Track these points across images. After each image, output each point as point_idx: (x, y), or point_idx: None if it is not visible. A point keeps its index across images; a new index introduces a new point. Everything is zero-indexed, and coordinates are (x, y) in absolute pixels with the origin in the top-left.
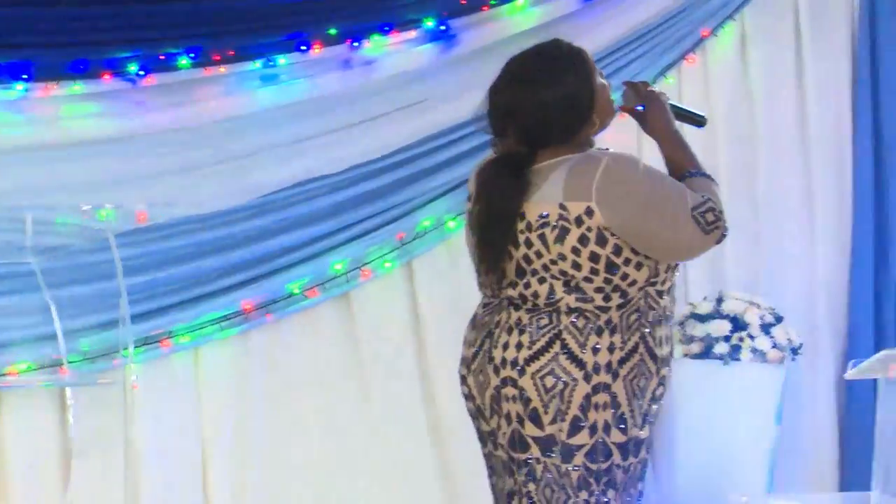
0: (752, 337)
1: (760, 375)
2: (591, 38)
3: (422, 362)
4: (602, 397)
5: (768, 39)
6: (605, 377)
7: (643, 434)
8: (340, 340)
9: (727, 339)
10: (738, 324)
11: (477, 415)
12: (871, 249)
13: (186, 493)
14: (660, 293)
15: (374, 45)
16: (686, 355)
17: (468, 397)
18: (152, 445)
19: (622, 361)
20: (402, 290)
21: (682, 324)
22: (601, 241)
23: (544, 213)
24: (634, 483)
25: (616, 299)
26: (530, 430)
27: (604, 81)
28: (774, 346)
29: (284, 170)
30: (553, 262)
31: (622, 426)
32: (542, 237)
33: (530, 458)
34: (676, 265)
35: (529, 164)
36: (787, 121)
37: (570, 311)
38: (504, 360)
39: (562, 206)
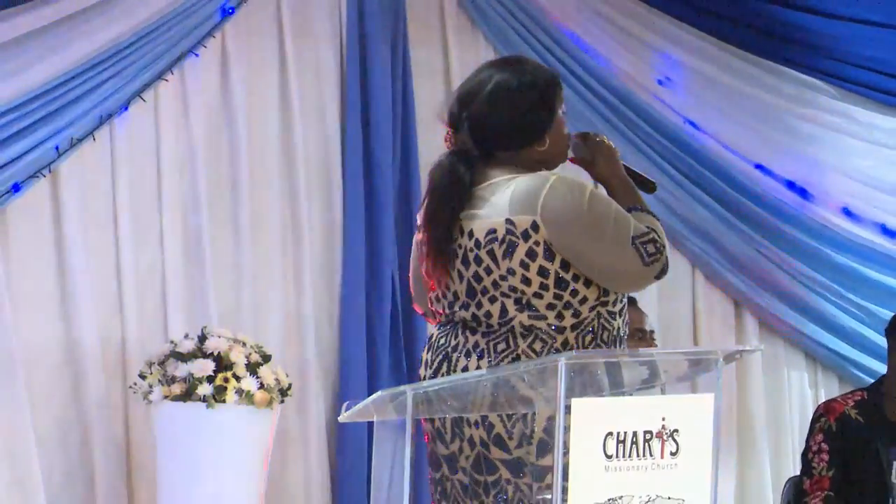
0: (237, 377)
1: (248, 418)
2: (63, 56)
3: None
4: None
5: (251, 59)
6: None
7: None
8: None
9: (210, 379)
10: (222, 363)
11: (435, 437)
12: (362, 282)
13: None
14: (611, 314)
15: None
16: (167, 397)
17: (426, 419)
18: None
19: None
20: None
21: (162, 363)
22: (549, 256)
23: (492, 229)
24: None
25: (569, 318)
26: (496, 453)
27: (562, 117)
28: (262, 386)
29: None
30: (503, 278)
31: None
32: (490, 253)
33: (499, 480)
34: None
35: (478, 166)
36: (272, 144)
37: (526, 331)
38: None
39: (508, 221)
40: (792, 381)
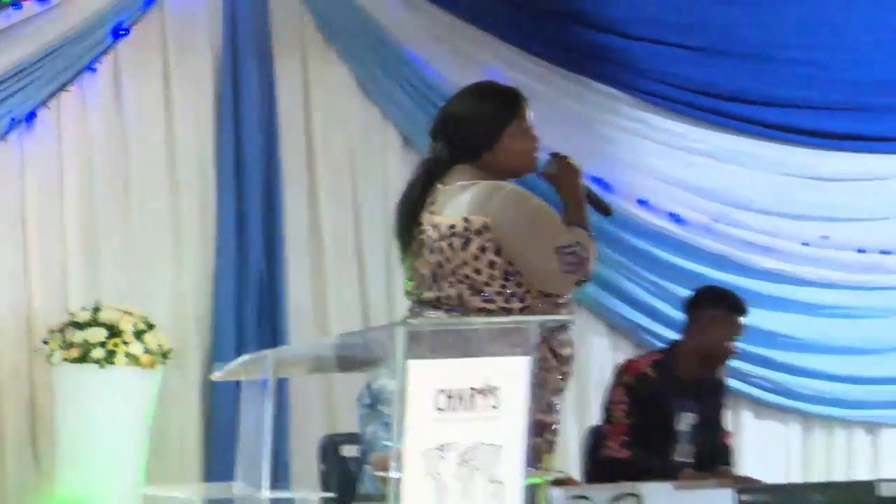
0: (126, 343)
1: (135, 378)
2: None
3: None
4: None
5: (140, 72)
6: None
7: (548, 419)
8: None
9: (103, 344)
10: (113, 331)
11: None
12: (232, 265)
13: None
14: (556, 304)
15: None
16: (65, 360)
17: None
18: None
19: None
20: None
21: (61, 331)
22: (497, 252)
23: (452, 225)
24: (539, 456)
25: (516, 303)
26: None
27: (530, 131)
28: (147, 351)
29: None
30: (459, 267)
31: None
32: (450, 245)
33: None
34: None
35: (446, 169)
36: (158, 147)
37: (479, 311)
38: None
39: (465, 220)
40: (595, 346)
